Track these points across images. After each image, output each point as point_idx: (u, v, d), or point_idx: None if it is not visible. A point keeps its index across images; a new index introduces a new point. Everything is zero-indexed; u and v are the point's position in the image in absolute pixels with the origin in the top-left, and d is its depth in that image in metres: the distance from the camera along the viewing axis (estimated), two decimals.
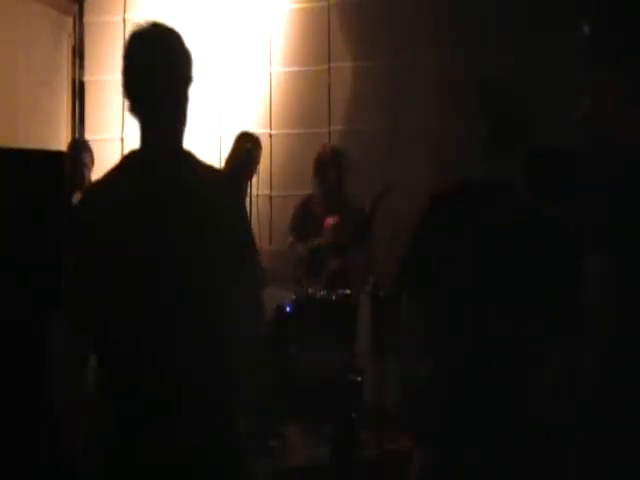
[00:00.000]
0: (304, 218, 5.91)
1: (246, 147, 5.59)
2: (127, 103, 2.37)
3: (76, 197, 5.38)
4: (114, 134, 7.22)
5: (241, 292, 2.40)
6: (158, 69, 2.35)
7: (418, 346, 2.74)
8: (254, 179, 5.58)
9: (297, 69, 6.94)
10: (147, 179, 2.28)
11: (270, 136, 6.85)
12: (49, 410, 3.59)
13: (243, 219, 2.52)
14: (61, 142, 7.03)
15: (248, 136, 5.85)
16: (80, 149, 5.70)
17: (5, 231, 3.75)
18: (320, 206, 5.83)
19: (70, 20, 7.36)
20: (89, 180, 5.63)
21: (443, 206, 2.73)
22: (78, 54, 7.40)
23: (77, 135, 7.24)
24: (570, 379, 2.58)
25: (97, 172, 5.76)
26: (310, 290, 5.65)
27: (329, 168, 5.84)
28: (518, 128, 2.70)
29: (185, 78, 2.44)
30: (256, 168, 5.68)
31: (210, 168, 2.47)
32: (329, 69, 6.83)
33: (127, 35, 2.47)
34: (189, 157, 2.39)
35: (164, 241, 2.27)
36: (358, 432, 4.33)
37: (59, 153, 4.30)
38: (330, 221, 5.64)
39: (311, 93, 6.87)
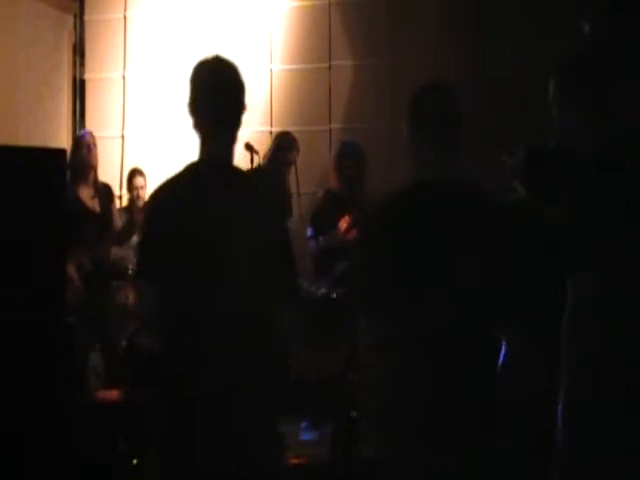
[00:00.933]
0: (324, 213, 5.85)
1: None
2: (192, 120, 2.81)
3: (84, 193, 5.38)
4: (115, 132, 7.23)
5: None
6: (225, 96, 2.81)
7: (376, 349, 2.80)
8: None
9: (298, 67, 6.94)
10: (203, 187, 2.71)
11: (271, 134, 6.85)
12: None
13: (283, 238, 2.82)
14: (62, 140, 7.05)
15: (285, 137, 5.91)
16: (86, 143, 5.64)
17: (7, 228, 3.76)
18: (339, 203, 5.76)
19: (70, 18, 7.37)
20: (96, 169, 5.53)
21: (392, 210, 2.78)
22: (79, 52, 7.41)
23: (79, 132, 7.24)
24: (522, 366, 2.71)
25: (99, 169, 5.76)
26: (311, 288, 5.65)
27: (348, 165, 5.78)
28: (455, 131, 2.73)
29: (242, 106, 2.85)
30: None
31: (257, 182, 3.01)
32: (330, 67, 6.84)
33: (197, 65, 2.91)
34: (238, 171, 2.90)
35: (213, 247, 2.64)
36: (358, 431, 4.34)
37: (60, 151, 4.31)
38: (343, 222, 5.60)
39: (312, 91, 6.88)
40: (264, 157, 5.59)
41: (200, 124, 2.78)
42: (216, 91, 2.79)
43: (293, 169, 5.99)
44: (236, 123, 2.82)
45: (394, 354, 2.70)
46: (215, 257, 2.63)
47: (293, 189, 6.05)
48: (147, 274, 2.78)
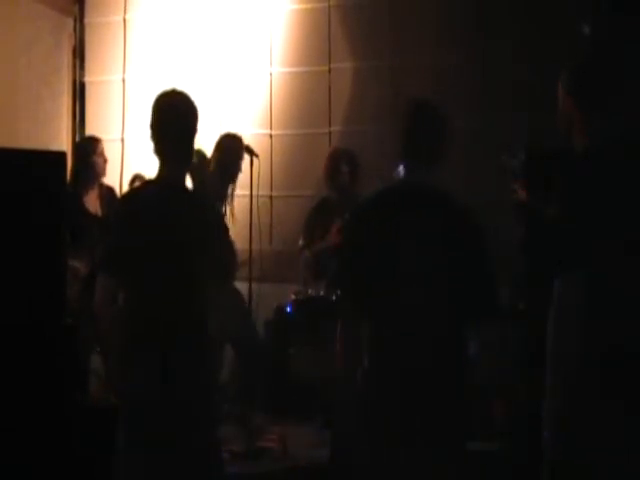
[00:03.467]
0: (317, 221, 5.86)
1: (233, 148, 5.51)
2: (152, 145, 3.20)
3: (87, 196, 5.37)
4: (114, 135, 7.22)
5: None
6: (175, 127, 3.18)
7: (356, 351, 2.95)
8: (254, 179, 5.53)
9: (297, 70, 6.94)
10: (153, 203, 3.16)
11: (270, 136, 6.85)
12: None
13: (221, 235, 3.32)
14: (62, 142, 7.05)
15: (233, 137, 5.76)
16: (91, 147, 5.62)
17: (7, 230, 3.76)
18: (333, 208, 5.76)
19: (70, 21, 7.37)
20: (102, 178, 5.51)
21: (368, 213, 3.03)
22: (79, 55, 7.41)
23: (78, 135, 7.24)
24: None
25: None
26: (310, 290, 5.66)
27: (341, 170, 5.78)
28: (429, 142, 2.99)
29: (192, 133, 3.23)
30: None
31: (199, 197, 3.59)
32: (329, 70, 6.83)
33: (156, 98, 3.23)
34: (185, 190, 3.36)
35: (157, 251, 3.09)
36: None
37: (60, 153, 4.30)
38: (334, 228, 5.60)
39: (311, 94, 6.87)
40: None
41: (155, 150, 3.20)
42: (167, 123, 3.17)
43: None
44: (186, 149, 3.24)
45: (372, 350, 2.89)
46: (158, 259, 3.07)
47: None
48: (109, 270, 3.16)
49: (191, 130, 3.21)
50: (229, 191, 5.43)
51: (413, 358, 2.80)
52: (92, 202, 5.41)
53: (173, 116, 3.17)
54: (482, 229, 2.93)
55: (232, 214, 5.42)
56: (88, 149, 5.48)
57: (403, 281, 2.83)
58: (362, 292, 2.92)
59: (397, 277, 2.84)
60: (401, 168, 3.02)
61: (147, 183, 3.51)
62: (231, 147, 5.47)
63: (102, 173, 5.50)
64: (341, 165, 5.79)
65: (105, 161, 5.50)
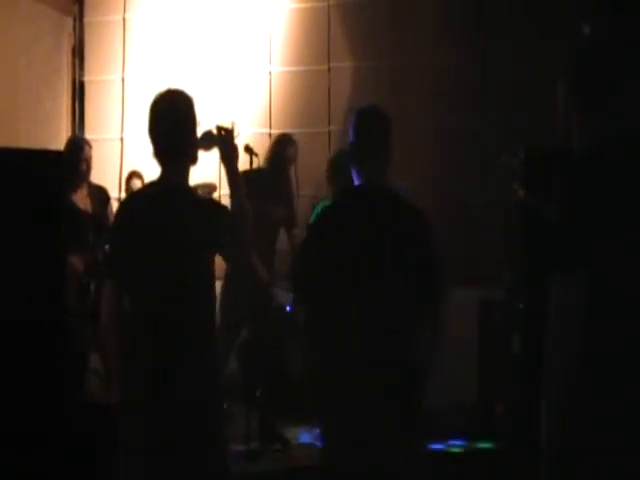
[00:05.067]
0: None
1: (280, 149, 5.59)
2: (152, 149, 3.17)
3: (77, 195, 5.38)
4: (114, 134, 7.22)
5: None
6: (172, 129, 3.14)
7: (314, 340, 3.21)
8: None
9: (297, 69, 6.94)
10: (153, 206, 3.14)
11: (270, 136, 6.84)
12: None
13: (230, 229, 3.19)
14: (61, 142, 7.03)
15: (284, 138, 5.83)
16: (79, 146, 5.66)
17: (6, 229, 3.76)
18: None
19: (70, 20, 7.37)
20: (88, 177, 5.57)
21: (327, 215, 3.30)
22: (78, 54, 7.41)
23: (76, 133, 7.24)
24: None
25: (98, 171, 5.77)
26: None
27: (343, 170, 5.78)
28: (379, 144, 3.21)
29: (190, 136, 3.17)
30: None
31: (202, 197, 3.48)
32: (329, 69, 6.83)
33: (154, 98, 3.17)
34: (189, 190, 3.28)
35: (157, 253, 3.07)
36: None
37: (59, 153, 4.31)
38: None
39: (311, 93, 6.88)
40: (264, 159, 5.58)
41: (154, 153, 3.17)
42: (163, 125, 3.14)
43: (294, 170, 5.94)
44: (185, 148, 3.16)
45: (327, 343, 3.10)
46: (158, 260, 3.04)
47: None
48: (112, 275, 3.17)
49: (189, 129, 3.18)
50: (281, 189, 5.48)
51: (367, 351, 3.00)
52: (81, 200, 5.42)
53: (169, 117, 3.14)
54: (428, 222, 3.16)
55: (292, 214, 5.57)
56: (77, 148, 5.49)
57: (357, 274, 3.04)
58: (316, 291, 3.14)
59: (351, 271, 3.05)
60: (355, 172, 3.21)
61: (147, 186, 3.47)
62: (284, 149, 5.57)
63: (89, 172, 5.52)
64: (341, 164, 5.79)
65: (82, 154, 5.51)
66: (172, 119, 3.13)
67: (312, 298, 3.20)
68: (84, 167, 5.43)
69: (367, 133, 3.21)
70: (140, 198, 3.33)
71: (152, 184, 3.30)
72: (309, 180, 6.40)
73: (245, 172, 5.41)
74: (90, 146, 5.53)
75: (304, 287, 3.23)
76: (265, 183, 5.36)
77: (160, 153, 3.16)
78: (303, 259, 3.28)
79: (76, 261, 5.12)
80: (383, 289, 3.03)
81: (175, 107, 3.15)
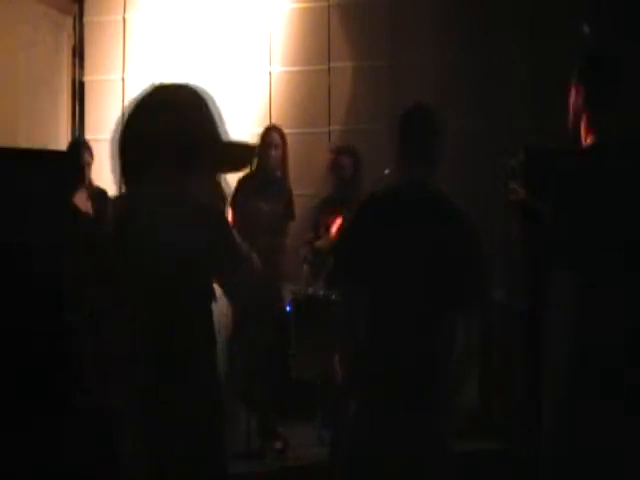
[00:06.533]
0: (319, 220, 5.85)
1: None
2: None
3: (77, 196, 5.39)
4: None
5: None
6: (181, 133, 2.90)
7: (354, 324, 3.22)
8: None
9: (297, 69, 6.94)
10: (154, 209, 2.97)
11: None
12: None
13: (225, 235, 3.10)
14: (61, 142, 7.03)
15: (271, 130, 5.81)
16: (80, 148, 5.69)
17: (7, 229, 3.76)
18: (333, 207, 5.76)
19: (70, 20, 7.37)
20: (89, 179, 5.62)
21: (368, 209, 3.28)
22: (78, 54, 7.40)
23: (76, 135, 7.24)
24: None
25: (98, 172, 5.77)
26: (310, 290, 5.65)
27: (345, 168, 5.78)
28: (423, 146, 3.21)
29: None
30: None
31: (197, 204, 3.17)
32: (329, 69, 6.83)
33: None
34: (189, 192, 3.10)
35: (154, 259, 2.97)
36: None
37: (59, 153, 4.31)
38: (334, 224, 5.60)
39: (311, 93, 6.88)
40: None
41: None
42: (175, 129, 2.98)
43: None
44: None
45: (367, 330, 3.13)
46: (158, 261, 2.94)
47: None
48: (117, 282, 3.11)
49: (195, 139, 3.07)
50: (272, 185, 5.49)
51: (403, 339, 3.03)
52: (82, 202, 5.44)
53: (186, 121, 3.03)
54: (475, 229, 3.16)
55: (291, 209, 5.63)
56: (80, 150, 5.52)
57: (398, 272, 3.05)
58: (358, 278, 3.16)
59: (392, 268, 3.06)
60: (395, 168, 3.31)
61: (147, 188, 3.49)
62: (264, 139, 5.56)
63: (89, 175, 5.57)
64: (343, 161, 5.79)
65: (82, 156, 5.55)
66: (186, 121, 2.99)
67: (351, 282, 3.23)
68: (88, 169, 5.47)
69: (412, 133, 3.21)
70: (136, 205, 3.25)
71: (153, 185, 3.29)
72: (309, 180, 6.40)
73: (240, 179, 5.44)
74: (91, 153, 5.56)
75: (344, 271, 3.25)
76: (259, 182, 5.37)
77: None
78: (345, 242, 3.34)
79: (78, 260, 5.13)
80: (421, 286, 3.03)
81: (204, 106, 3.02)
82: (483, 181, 5.72)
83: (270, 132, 5.63)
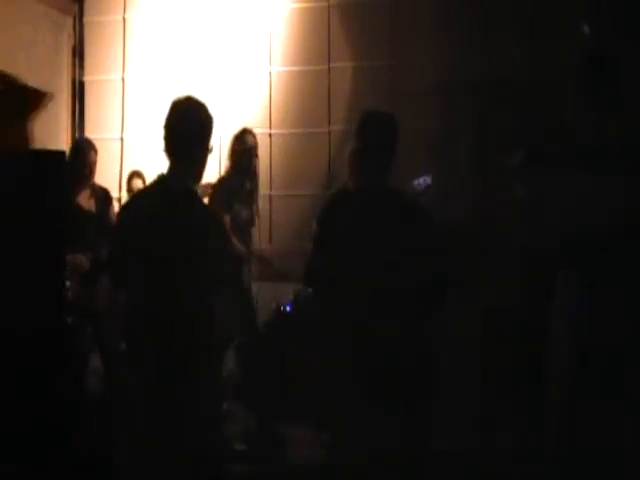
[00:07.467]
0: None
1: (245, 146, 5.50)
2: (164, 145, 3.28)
3: (79, 196, 5.39)
4: (114, 134, 7.23)
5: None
6: (181, 133, 3.23)
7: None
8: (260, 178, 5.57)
9: (297, 69, 6.94)
10: (154, 207, 3.21)
11: (270, 136, 6.86)
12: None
13: (217, 242, 3.33)
14: (61, 142, 7.04)
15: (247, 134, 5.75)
16: (84, 148, 5.68)
17: (6, 229, 3.76)
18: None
19: (70, 20, 7.37)
20: (94, 177, 5.58)
21: (334, 211, 3.52)
22: (78, 54, 7.41)
23: (77, 134, 7.24)
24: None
25: (98, 172, 5.76)
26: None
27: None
28: (385, 148, 3.40)
29: (206, 140, 3.25)
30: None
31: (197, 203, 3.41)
32: (329, 69, 6.83)
33: (171, 104, 3.29)
34: (189, 193, 3.29)
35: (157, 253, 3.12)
36: None
37: (59, 152, 4.30)
38: None
39: (311, 93, 6.88)
40: (227, 159, 5.54)
41: (165, 149, 3.27)
42: (174, 129, 3.24)
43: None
44: (191, 156, 3.24)
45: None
46: (157, 262, 3.10)
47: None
48: (115, 280, 3.32)
49: (204, 138, 3.26)
50: (248, 188, 5.43)
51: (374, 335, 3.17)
52: (85, 201, 5.43)
53: (189, 119, 3.22)
54: (430, 216, 3.39)
55: (257, 214, 5.50)
56: (84, 149, 5.51)
57: (367, 262, 3.22)
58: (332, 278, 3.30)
59: (363, 260, 3.23)
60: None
61: (148, 187, 3.58)
62: (246, 142, 5.49)
63: (93, 175, 5.55)
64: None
65: (87, 155, 5.53)
66: (191, 121, 3.22)
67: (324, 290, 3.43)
68: (88, 171, 5.46)
69: (370, 135, 3.38)
70: (140, 203, 3.38)
71: (153, 185, 3.34)
72: (309, 180, 6.41)
73: (219, 180, 5.40)
74: (95, 151, 5.55)
75: (317, 280, 3.46)
76: (236, 187, 5.33)
77: (171, 151, 3.23)
78: (316, 253, 3.47)
79: (80, 259, 5.13)
80: (387, 282, 3.18)
81: (199, 107, 3.24)
82: (483, 181, 5.72)
83: (246, 135, 5.55)
